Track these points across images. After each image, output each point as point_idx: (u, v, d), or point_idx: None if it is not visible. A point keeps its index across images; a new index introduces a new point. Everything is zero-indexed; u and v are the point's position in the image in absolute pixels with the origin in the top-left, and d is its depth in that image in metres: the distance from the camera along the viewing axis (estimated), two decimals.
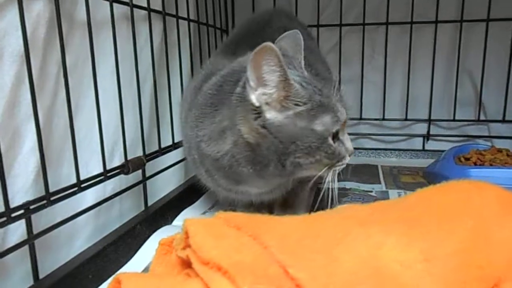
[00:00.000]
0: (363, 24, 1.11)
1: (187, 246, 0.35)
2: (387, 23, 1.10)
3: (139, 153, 0.72)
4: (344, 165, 0.57)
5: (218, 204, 0.82)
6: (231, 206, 0.73)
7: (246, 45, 0.58)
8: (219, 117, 0.54)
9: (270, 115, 0.50)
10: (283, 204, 0.71)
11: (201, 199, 0.84)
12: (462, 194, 0.41)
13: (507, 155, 0.88)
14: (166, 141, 0.83)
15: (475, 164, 0.86)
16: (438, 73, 1.11)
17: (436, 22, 1.07)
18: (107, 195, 0.65)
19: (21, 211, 0.47)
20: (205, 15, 1.01)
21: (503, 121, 1.09)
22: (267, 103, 0.50)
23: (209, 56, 1.03)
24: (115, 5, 0.64)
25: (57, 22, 0.52)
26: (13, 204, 0.46)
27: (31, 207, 0.48)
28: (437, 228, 0.35)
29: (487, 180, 0.77)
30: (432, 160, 1.01)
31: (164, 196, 0.80)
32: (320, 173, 0.55)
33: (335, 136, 0.54)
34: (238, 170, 0.55)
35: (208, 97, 0.57)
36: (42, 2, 0.51)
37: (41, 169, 0.50)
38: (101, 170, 0.62)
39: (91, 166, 0.62)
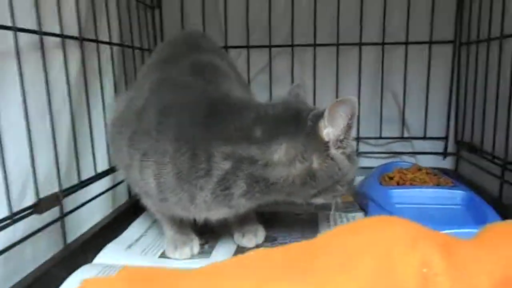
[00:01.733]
0: (292, 46, 1.13)
1: None
2: (314, 45, 1.12)
3: (53, 189, 0.68)
4: None
5: (146, 235, 0.80)
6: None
7: (174, 67, 0.71)
8: (281, 146, 0.59)
9: (333, 150, 0.60)
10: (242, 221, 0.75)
11: (127, 231, 0.81)
12: (370, 233, 0.41)
13: (427, 173, 0.93)
14: (89, 172, 0.79)
15: (397, 183, 0.90)
16: (365, 93, 1.15)
17: (360, 44, 1.11)
18: (18, 237, 0.60)
19: None
20: (131, 38, 0.98)
21: (425, 138, 1.15)
22: (331, 140, 0.59)
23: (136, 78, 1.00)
24: (23, 34, 0.60)
25: None
26: None
27: None
28: (338, 272, 0.35)
29: (407, 199, 0.82)
30: (362, 178, 1.04)
31: (86, 232, 0.75)
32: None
33: None
34: (268, 192, 0.61)
35: (255, 127, 0.60)
36: None
37: None
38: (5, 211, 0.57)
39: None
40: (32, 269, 0.61)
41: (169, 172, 0.60)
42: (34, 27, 0.63)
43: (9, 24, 0.57)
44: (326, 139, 0.59)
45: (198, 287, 0.31)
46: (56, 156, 0.68)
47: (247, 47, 1.14)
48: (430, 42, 1.10)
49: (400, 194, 0.83)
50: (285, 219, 0.85)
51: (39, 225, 0.65)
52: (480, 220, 0.70)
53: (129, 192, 0.95)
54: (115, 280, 0.34)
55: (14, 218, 0.58)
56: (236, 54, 1.15)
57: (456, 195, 0.81)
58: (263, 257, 0.39)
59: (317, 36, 1.12)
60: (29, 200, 0.63)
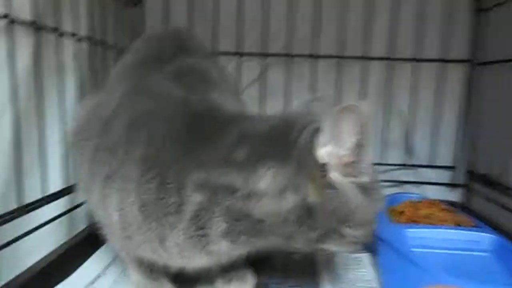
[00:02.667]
0: (292, 56, 1.01)
1: None
2: (315, 56, 1.01)
3: None
4: None
5: (105, 275, 0.64)
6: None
7: (154, 71, 0.58)
8: (268, 171, 0.45)
9: (334, 176, 0.44)
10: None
11: (81, 268, 0.65)
12: None
13: (442, 209, 0.80)
14: (36, 193, 0.63)
15: (410, 219, 0.77)
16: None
17: (366, 58, 1.00)
18: None
19: None
20: (102, 33, 0.83)
21: (431, 166, 1.04)
22: (332, 163, 0.44)
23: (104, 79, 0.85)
24: None
25: None
26: None
27: None
28: None
29: (425, 241, 0.69)
30: None
31: (30, 268, 0.59)
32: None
33: None
34: (260, 235, 0.47)
35: (238, 147, 0.46)
36: None
37: None
38: None
39: None
40: None
41: (133, 203, 0.45)
42: None
43: None
44: (325, 160, 0.44)
45: None
46: None
47: (239, 54, 1.01)
48: (443, 61, 1.00)
49: (416, 235, 0.69)
50: (278, 261, 0.70)
51: None
52: None
53: (89, 217, 0.79)
54: None
55: None
56: (226, 62, 1.01)
57: (484, 239, 0.68)
58: None
59: (318, 47, 1.00)
60: None
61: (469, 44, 1.00)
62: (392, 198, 0.88)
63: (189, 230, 0.46)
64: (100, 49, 0.82)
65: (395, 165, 1.06)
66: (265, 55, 1.02)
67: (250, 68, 1.03)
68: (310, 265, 0.69)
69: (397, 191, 0.99)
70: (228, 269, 0.60)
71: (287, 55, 1.01)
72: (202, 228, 0.46)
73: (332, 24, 0.99)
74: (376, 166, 0.99)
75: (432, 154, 1.04)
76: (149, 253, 0.50)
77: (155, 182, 0.45)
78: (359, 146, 0.44)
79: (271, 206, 0.45)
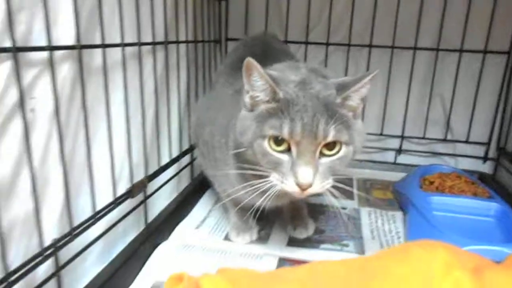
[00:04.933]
0: (348, 45, 1.19)
1: None
2: (370, 46, 1.18)
3: (141, 174, 0.80)
4: (288, 190, 0.58)
5: (209, 218, 0.92)
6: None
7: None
8: None
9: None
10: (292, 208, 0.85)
11: (192, 212, 0.94)
12: (414, 259, 0.51)
13: (465, 181, 0.99)
14: (165, 158, 0.91)
15: (437, 189, 0.97)
16: (413, 95, 1.20)
17: (415, 48, 1.16)
18: (114, 218, 0.73)
19: (51, 250, 0.55)
20: (201, 31, 1.07)
21: (467, 142, 1.21)
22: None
23: (204, 69, 1.10)
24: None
25: (80, 78, 0.58)
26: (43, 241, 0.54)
27: (58, 244, 0.57)
28: None
29: (445, 207, 0.90)
30: (403, 174, 1.13)
31: (161, 212, 0.88)
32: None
33: (278, 144, 0.58)
34: None
35: None
36: (68, 64, 0.57)
37: (64, 208, 0.58)
38: (109, 197, 0.70)
39: (101, 195, 0.70)
40: (123, 245, 0.74)
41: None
42: (134, 39, 0.73)
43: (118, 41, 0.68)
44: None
45: None
46: (145, 145, 0.80)
47: (306, 43, 1.21)
48: (484, 52, 1.13)
49: (438, 201, 0.90)
50: (331, 213, 0.95)
51: (127, 208, 0.77)
52: (510, 237, 0.78)
53: (192, 175, 1.08)
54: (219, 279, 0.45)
55: (116, 202, 0.70)
56: (295, 49, 1.21)
57: (490, 207, 0.88)
58: (331, 269, 0.49)
59: (373, 38, 1.17)
60: (122, 187, 0.75)
61: (510, 37, 1.12)
62: (427, 169, 1.08)
63: None
64: (199, 45, 1.06)
65: (435, 139, 1.24)
66: (327, 44, 1.20)
67: (316, 55, 1.22)
68: (356, 218, 0.93)
69: (435, 162, 1.19)
70: (295, 218, 0.86)
71: (346, 44, 1.19)
72: None
73: (385, 19, 1.15)
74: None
75: (468, 131, 1.20)
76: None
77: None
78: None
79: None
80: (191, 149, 1.03)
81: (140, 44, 0.74)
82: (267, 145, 0.59)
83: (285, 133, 0.56)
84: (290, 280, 0.46)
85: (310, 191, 0.58)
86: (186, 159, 1.04)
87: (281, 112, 0.57)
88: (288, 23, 1.20)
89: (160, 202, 0.91)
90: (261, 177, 0.61)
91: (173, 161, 0.93)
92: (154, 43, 0.79)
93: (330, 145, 0.59)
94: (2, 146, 0.48)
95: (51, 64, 0.52)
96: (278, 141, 0.58)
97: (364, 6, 1.16)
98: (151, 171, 0.84)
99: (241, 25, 1.22)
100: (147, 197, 0.82)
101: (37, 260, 0.52)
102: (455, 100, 1.18)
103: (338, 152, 0.60)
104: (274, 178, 0.59)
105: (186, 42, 0.96)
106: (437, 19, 1.14)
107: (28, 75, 0.51)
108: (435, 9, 1.13)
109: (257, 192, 0.62)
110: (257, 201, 0.69)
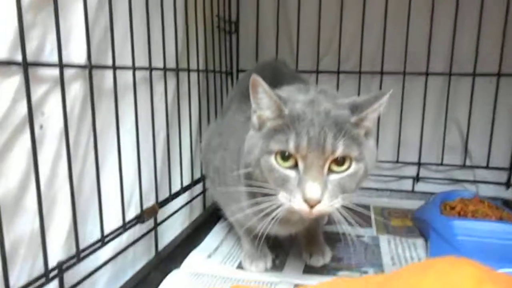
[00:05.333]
0: (359, 72, 1.19)
1: None
2: (381, 72, 1.18)
3: (152, 201, 0.79)
4: (295, 207, 0.56)
5: (222, 247, 0.89)
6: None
7: None
8: None
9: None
10: (307, 235, 0.82)
11: (205, 241, 0.91)
12: (440, 276, 0.47)
13: (488, 206, 0.95)
14: (175, 186, 0.89)
15: (459, 214, 0.93)
16: (428, 120, 1.18)
17: (427, 74, 1.15)
18: (123, 244, 0.71)
19: (56, 272, 0.53)
20: (212, 62, 1.08)
21: (487, 167, 1.17)
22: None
23: (215, 99, 1.11)
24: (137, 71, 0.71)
25: (91, 98, 0.58)
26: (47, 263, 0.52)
27: (64, 266, 0.54)
28: None
29: (468, 231, 0.85)
30: (421, 202, 1.09)
31: (173, 240, 0.86)
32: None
33: (285, 160, 0.56)
34: None
35: None
36: (78, 83, 0.57)
37: (71, 230, 0.56)
38: (118, 221, 0.68)
39: (110, 219, 0.68)
40: (133, 271, 0.72)
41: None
42: (145, 63, 0.74)
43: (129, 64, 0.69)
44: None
45: None
46: (155, 171, 0.79)
47: (317, 72, 1.21)
48: (499, 75, 1.12)
49: (462, 226, 0.86)
50: (348, 241, 0.91)
51: (137, 234, 0.75)
52: None
53: (204, 205, 1.06)
54: None
55: (125, 227, 0.69)
56: (306, 78, 1.22)
57: None
58: (351, 284, 0.46)
59: (384, 65, 1.17)
60: (132, 212, 0.74)
61: None
62: (447, 195, 1.04)
63: None
64: (211, 75, 1.07)
65: (453, 165, 1.21)
66: (338, 72, 1.20)
67: (327, 83, 1.22)
68: (374, 246, 0.89)
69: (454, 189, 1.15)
70: (311, 245, 0.82)
71: (357, 72, 1.19)
72: None
73: (396, 45, 1.15)
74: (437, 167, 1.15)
75: (488, 156, 1.16)
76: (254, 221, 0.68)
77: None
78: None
79: None
80: (203, 179, 1.02)
81: (151, 69, 0.75)
82: (273, 161, 0.57)
83: (291, 147, 0.55)
84: None
85: (319, 208, 0.55)
86: (198, 189, 1.02)
87: (287, 128, 0.56)
88: (298, 52, 1.21)
89: (172, 231, 0.89)
90: (269, 197, 0.59)
91: (185, 189, 0.91)
92: (165, 69, 0.80)
93: (340, 161, 0.57)
94: (9, 160, 0.48)
95: (61, 82, 0.53)
96: (285, 157, 0.57)
97: (373, 33, 1.17)
98: (161, 198, 0.82)
99: (252, 56, 1.23)
100: (157, 224, 0.80)
101: (41, 281, 0.50)
102: (472, 124, 1.16)
103: (348, 168, 0.57)
104: (282, 196, 0.57)
105: (198, 71, 0.97)
106: (448, 43, 1.14)
107: (38, 92, 0.51)
108: (446, 33, 1.13)
109: (267, 212, 0.60)
110: (268, 227, 0.66)
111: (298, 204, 0.55)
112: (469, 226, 0.87)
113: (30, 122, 0.48)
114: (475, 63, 1.12)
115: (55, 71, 0.52)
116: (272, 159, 0.57)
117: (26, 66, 0.47)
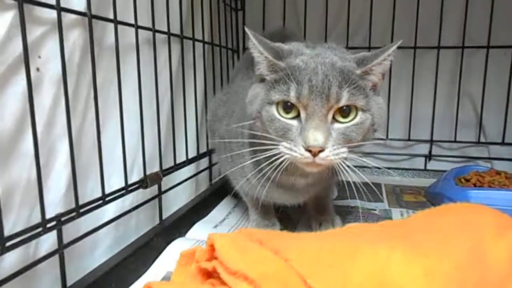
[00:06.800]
0: (369, 48, 1.16)
1: (212, 258, 0.38)
2: None
3: (156, 168, 0.76)
4: (297, 157, 0.54)
5: (229, 218, 0.86)
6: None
7: None
8: None
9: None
10: (316, 205, 0.80)
11: (211, 213, 0.88)
12: (460, 217, 0.44)
13: (506, 177, 0.92)
14: (181, 157, 0.87)
15: (474, 185, 0.90)
16: (440, 96, 1.15)
17: (439, 47, 1.12)
18: (126, 208, 0.69)
19: (54, 223, 0.51)
20: (218, 37, 1.06)
21: (503, 143, 1.13)
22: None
23: (221, 75, 1.08)
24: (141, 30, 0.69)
25: (90, 49, 0.56)
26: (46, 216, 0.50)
27: (63, 219, 0.52)
28: (436, 248, 0.38)
29: (485, 201, 0.82)
30: (433, 180, 1.05)
31: (178, 210, 0.83)
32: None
33: (287, 112, 0.55)
34: None
35: None
36: (78, 31, 0.55)
37: (71, 184, 0.54)
38: (121, 184, 0.66)
39: (113, 181, 0.66)
40: (135, 237, 0.69)
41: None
42: (149, 25, 0.72)
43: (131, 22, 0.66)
44: None
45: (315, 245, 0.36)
46: (159, 138, 0.76)
47: None
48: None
49: (478, 195, 0.83)
50: (360, 214, 0.88)
51: (141, 200, 0.73)
52: None
53: (210, 179, 1.04)
54: (238, 235, 0.40)
55: (127, 189, 0.66)
56: None
57: None
58: (364, 228, 0.43)
59: (394, 39, 1.13)
60: (136, 177, 0.72)
61: None
62: (461, 169, 1.01)
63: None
64: (216, 50, 1.05)
65: (467, 142, 1.17)
66: (347, 48, 1.17)
67: None
68: (386, 218, 0.86)
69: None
70: (320, 215, 0.79)
71: (366, 47, 1.16)
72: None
73: (406, 19, 1.12)
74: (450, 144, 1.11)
75: (504, 131, 1.12)
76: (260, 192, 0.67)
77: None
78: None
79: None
80: (209, 153, 1.00)
81: (155, 31, 0.73)
82: (274, 111, 0.56)
83: (292, 96, 0.54)
84: (315, 236, 0.40)
85: (323, 156, 0.53)
86: (204, 164, 1.00)
87: (288, 78, 0.55)
88: (306, 28, 1.19)
89: (177, 203, 0.87)
90: (270, 147, 0.57)
91: (190, 161, 0.89)
92: (169, 33, 0.78)
93: (345, 112, 0.55)
94: (3, 99, 0.46)
95: (59, 25, 0.50)
96: (287, 107, 0.55)
97: (383, 7, 1.14)
98: (166, 167, 0.80)
99: (258, 34, 1.21)
100: (162, 192, 0.78)
101: (38, 230, 0.48)
102: (486, 99, 1.12)
103: (354, 118, 0.56)
104: (283, 146, 0.55)
105: (203, 42, 0.95)
106: (460, 14, 1.10)
107: (34, 33, 0.49)
108: (458, 4, 1.10)
109: (270, 169, 0.58)
110: (273, 195, 0.67)
111: (300, 153, 0.53)
112: (485, 195, 0.84)
113: (26, 61, 0.46)
114: (489, 35, 1.09)
115: (53, 14, 0.50)
116: (273, 109, 0.56)
117: (21, 1, 0.45)
